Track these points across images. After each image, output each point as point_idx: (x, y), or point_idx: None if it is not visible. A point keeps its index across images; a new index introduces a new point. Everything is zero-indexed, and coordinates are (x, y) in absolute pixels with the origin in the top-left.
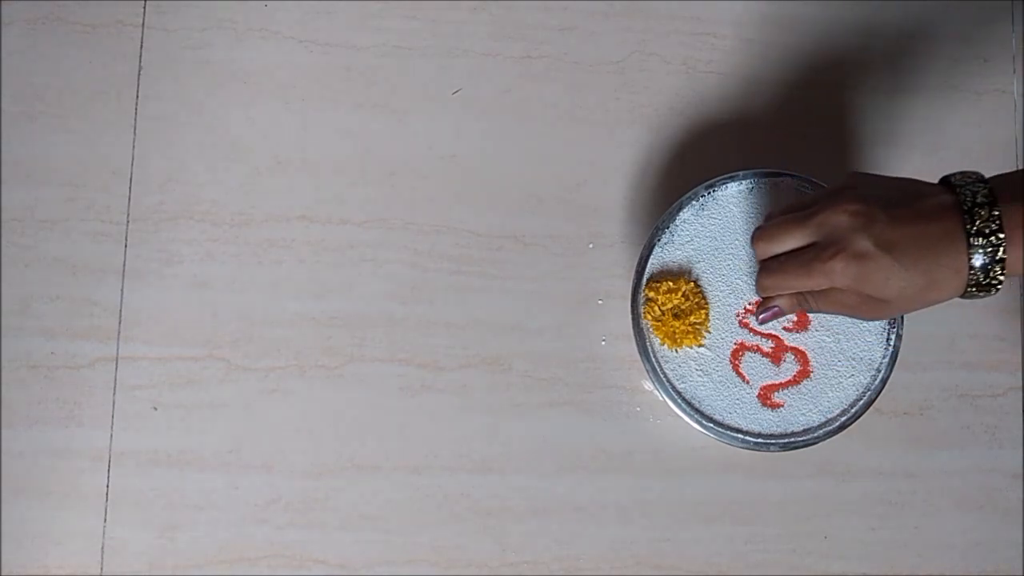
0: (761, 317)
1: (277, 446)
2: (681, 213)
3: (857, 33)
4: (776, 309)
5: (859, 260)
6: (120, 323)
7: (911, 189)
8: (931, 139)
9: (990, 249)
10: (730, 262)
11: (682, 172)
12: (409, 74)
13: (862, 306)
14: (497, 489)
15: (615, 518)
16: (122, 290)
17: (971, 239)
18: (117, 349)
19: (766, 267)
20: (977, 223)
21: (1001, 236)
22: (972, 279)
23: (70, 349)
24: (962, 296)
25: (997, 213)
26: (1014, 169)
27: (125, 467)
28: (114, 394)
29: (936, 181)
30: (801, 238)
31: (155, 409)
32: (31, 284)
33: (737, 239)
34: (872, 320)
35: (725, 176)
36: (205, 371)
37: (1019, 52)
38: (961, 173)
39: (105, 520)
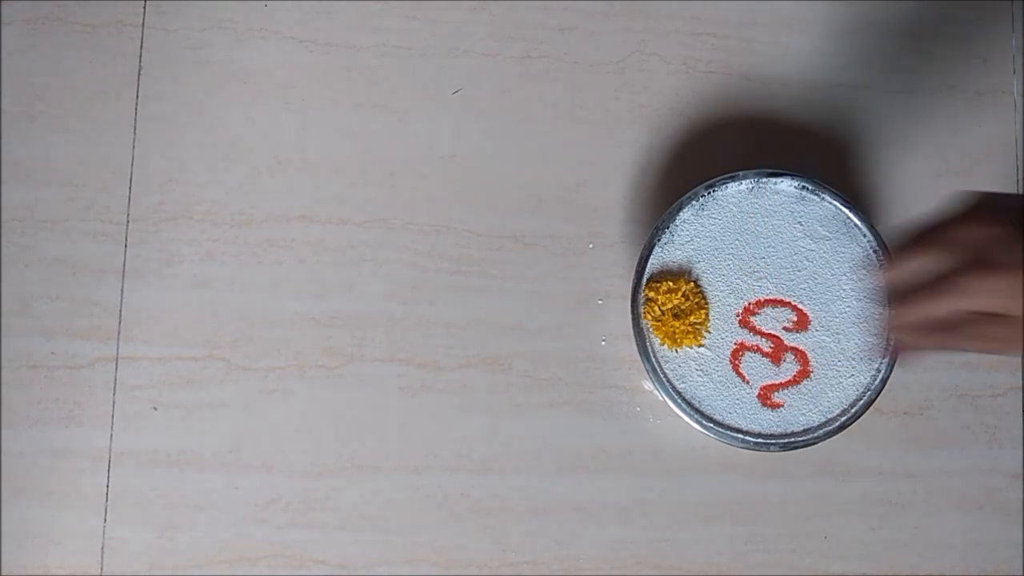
0: (901, 360)
1: (277, 446)
2: (681, 213)
3: (857, 33)
4: (918, 350)
5: (1003, 271)
6: (120, 323)
7: None
8: (931, 139)
9: None
10: (730, 262)
11: (682, 172)
12: (409, 74)
13: (1012, 336)
14: (497, 489)
15: (615, 518)
16: (122, 290)
17: None
18: (117, 349)
19: (902, 304)
20: None
21: None
22: None
23: (70, 349)
24: None
25: None
26: None
27: (125, 467)
28: (114, 394)
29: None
30: (939, 260)
31: (155, 409)
32: (31, 284)
33: (737, 239)
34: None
35: (725, 176)
36: (205, 371)
37: (1019, 52)
38: None
39: (105, 520)
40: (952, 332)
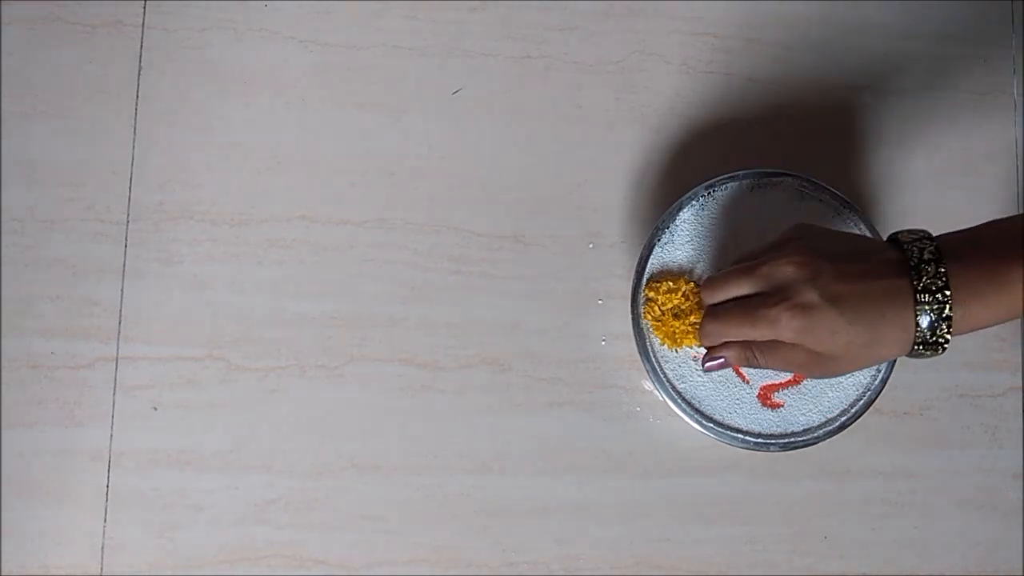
0: (706, 366)
1: (277, 446)
2: (681, 213)
3: (857, 33)
4: (722, 360)
5: (804, 312)
6: (120, 323)
7: (858, 245)
8: (931, 139)
9: (936, 307)
10: (730, 262)
11: (682, 172)
12: (409, 74)
13: (810, 363)
14: (497, 489)
15: (615, 518)
16: (122, 290)
17: (918, 295)
18: (117, 349)
19: (711, 312)
20: (924, 280)
21: (947, 293)
22: (919, 337)
23: (70, 349)
24: (909, 355)
25: (943, 271)
26: (959, 227)
27: (125, 467)
28: (114, 394)
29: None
30: (747, 287)
31: (155, 409)
32: (31, 284)
33: (737, 239)
34: (822, 378)
35: (725, 176)
36: (205, 371)
37: (1019, 52)
38: (908, 231)
39: (105, 520)
40: (755, 353)
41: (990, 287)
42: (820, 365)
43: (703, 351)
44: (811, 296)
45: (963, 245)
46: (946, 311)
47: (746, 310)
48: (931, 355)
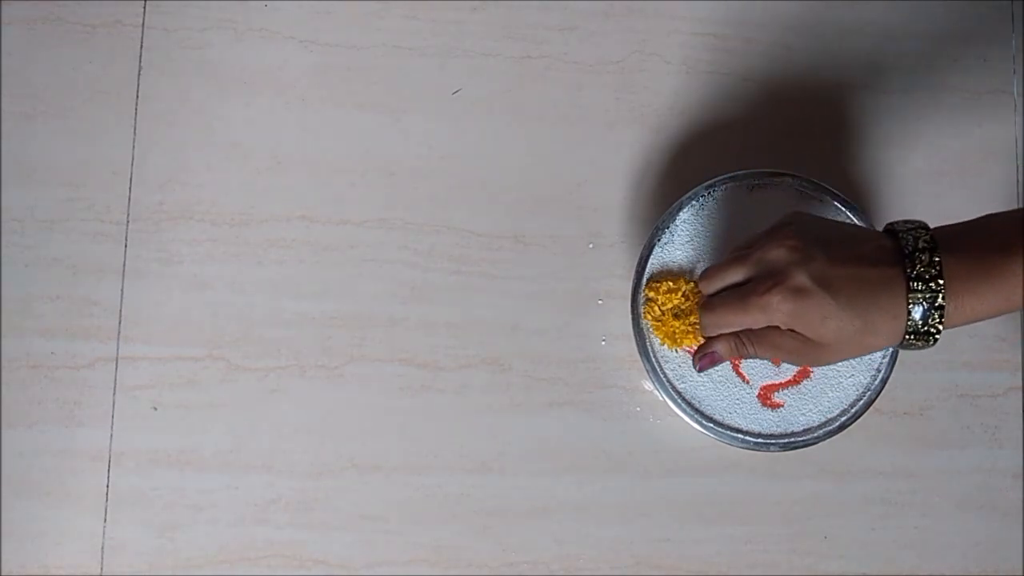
0: (699, 365)
1: (277, 446)
2: (681, 213)
3: (857, 33)
4: (713, 354)
5: (795, 295)
6: (120, 323)
7: (851, 231)
8: (931, 139)
9: (929, 295)
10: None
11: (682, 172)
12: (409, 74)
13: (801, 349)
14: (497, 489)
15: (615, 518)
16: (122, 290)
17: (911, 283)
18: (117, 349)
19: (706, 304)
20: (918, 268)
21: (940, 283)
22: (910, 326)
23: (70, 349)
24: (900, 345)
25: (938, 260)
26: (956, 221)
27: (125, 467)
28: (114, 394)
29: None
30: (741, 274)
31: (155, 409)
32: (31, 284)
33: (737, 239)
34: (813, 366)
35: (725, 176)
36: (205, 371)
37: (1019, 52)
38: (904, 220)
39: (105, 520)
40: (745, 342)
41: (984, 279)
42: (811, 353)
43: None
44: (803, 279)
45: (958, 236)
46: (939, 300)
47: (738, 296)
48: (922, 346)
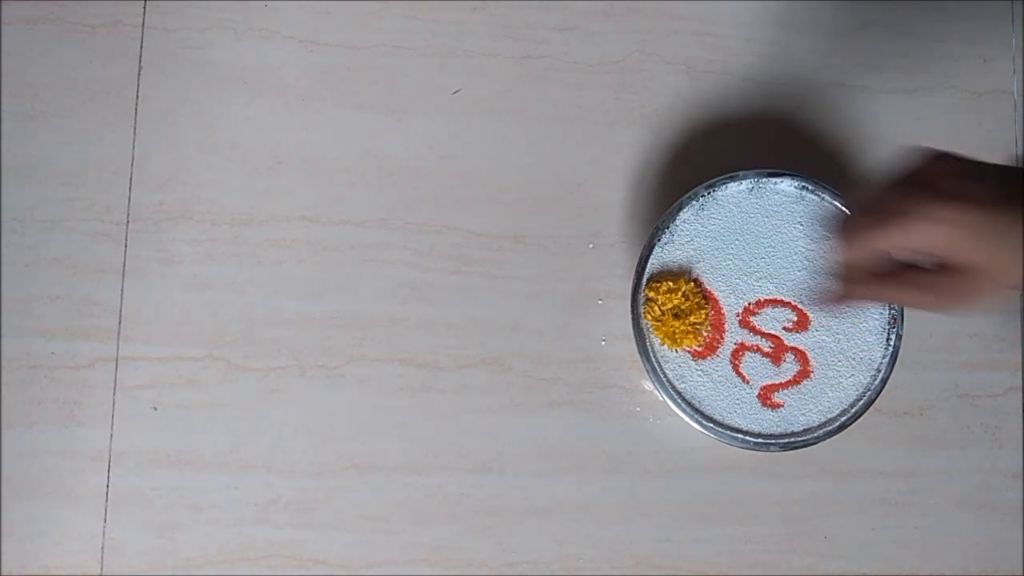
0: (840, 300)
1: (277, 446)
2: (681, 213)
3: (857, 33)
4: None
5: (950, 200)
6: (120, 323)
7: (990, 167)
8: (931, 139)
9: None
10: (730, 262)
11: (682, 172)
12: (409, 74)
13: (951, 287)
14: (497, 489)
15: (615, 518)
16: (122, 290)
17: None
18: (117, 349)
19: (848, 224)
20: None
21: None
22: None
23: (70, 349)
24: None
25: None
26: None
27: (125, 467)
28: (114, 394)
29: None
30: (891, 189)
31: (155, 409)
32: (31, 284)
33: (737, 239)
34: (953, 309)
35: (725, 176)
36: (205, 371)
37: (1019, 52)
38: None
39: (105, 520)
40: (888, 278)
41: None
42: (960, 289)
43: (702, 351)
44: (964, 188)
45: None
46: None
47: (890, 205)
48: None
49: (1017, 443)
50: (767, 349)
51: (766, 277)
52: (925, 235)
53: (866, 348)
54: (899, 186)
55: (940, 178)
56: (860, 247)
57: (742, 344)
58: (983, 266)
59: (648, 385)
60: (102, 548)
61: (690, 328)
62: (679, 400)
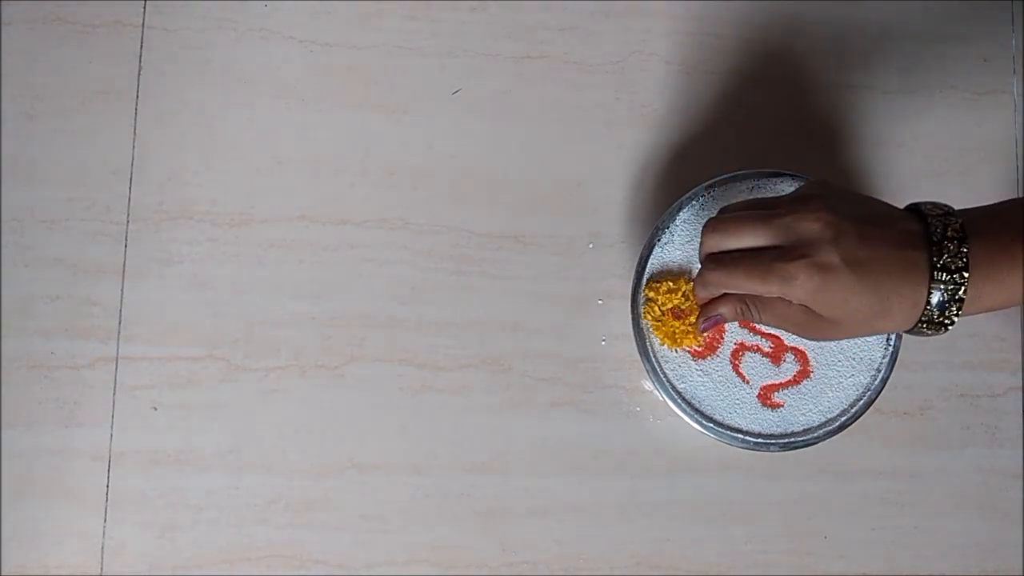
0: (702, 326)
1: (277, 446)
2: (681, 213)
3: (857, 33)
4: (719, 317)
5: (823, 272)
6: (120, 323)
7: (882, 210)
8: (931, 139)
9: (952, 287)
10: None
11: (682, 172)
12: (409, 74)
13: (806, 324)
14: (497, 489)
15: (615, 518)
16: (122, 290)
17: (935, 273)
18: (117, 349)
19: (717, 260)
20: (944, 258)
21: (966, 275)
22: (926, 315)
23: (70, 349)
24: (908, 331)
25: (966, 250)
26: (982, 205)
27: (125, 467)
28: (114, 394)
29: (907, 202)
30: (763, 238)
31: (155, 409)
32: (31, 284)
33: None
34: (812, 339)
35: (725, 176)
36: (205, 371)
37: (1019, 52)
38: (932, 203)
39: (105, 520)
40: (751, 308)
41: (1007, 268)
42: (817, 328)
43: (702, 351)
44: (833, 257)
45: (986, 221)
46: (960, 292)
47: (759, 261)
48: (932, 334)
49: (1017, 443)
50: (767, 349)
51: None
52: (791, 294)
53: (866, 348)
54: (776, 231)
55: (813, 242)
56: (718, 285)
57: (742, 344)
58: (840, 319)
59: (648, 385)
60: (102, 548)
61: (690, 328)
62: (679, 400)
